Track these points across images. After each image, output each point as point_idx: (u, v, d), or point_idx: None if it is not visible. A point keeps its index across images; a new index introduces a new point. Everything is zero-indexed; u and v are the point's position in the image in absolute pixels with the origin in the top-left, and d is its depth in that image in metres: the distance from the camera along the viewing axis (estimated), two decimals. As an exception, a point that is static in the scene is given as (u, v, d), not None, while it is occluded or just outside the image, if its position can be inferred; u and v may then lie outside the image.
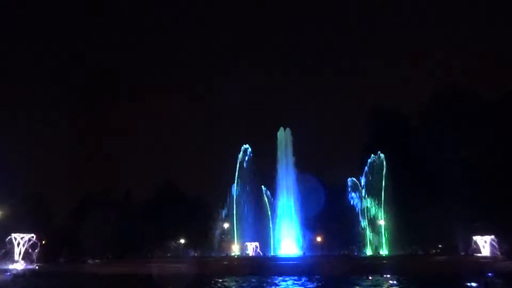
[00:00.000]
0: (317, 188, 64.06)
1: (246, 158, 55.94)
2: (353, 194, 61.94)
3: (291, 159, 55.29)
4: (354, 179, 61.88)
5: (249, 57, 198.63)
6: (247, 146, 56.53)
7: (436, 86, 70.11)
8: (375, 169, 59.09)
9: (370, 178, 59.60)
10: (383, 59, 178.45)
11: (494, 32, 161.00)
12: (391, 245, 61.19)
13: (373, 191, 59.38)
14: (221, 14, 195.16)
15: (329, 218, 69.50)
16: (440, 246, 70.93)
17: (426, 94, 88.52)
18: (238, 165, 55.33)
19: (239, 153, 56.25)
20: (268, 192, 58.88)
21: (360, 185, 61.35)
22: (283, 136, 57.09)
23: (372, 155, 60.30)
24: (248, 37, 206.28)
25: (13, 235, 51.89)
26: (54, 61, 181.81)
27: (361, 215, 61.49)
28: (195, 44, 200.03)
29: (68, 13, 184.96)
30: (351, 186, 62.09)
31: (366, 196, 60.37)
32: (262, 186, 58.50)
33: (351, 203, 61.93)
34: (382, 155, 59.24)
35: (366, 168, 60.52)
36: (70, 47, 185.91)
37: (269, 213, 57.00)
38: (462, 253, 54.08)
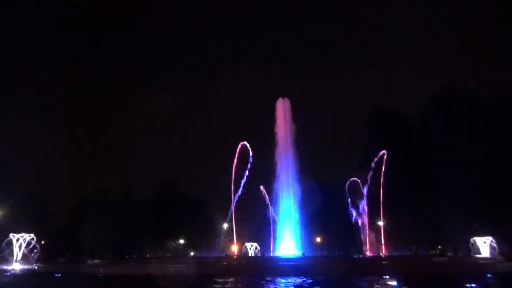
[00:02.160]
0: (316, 187, 63.79)
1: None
2: (353, 194, 61.60)
3: (290, 140, 50.67)
4: (355, 178, 60.94)
5: (249, 57, 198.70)
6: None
7: (436, 87, 70.28)
8: (375, 169, 58.83)
9: (370, 178, 59.37)
10: (383, 59, 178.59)
11: (494, 32, 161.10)
12: (391, 246, 61.08)
13: (373, 192, 59.18)
14: (222, 14, 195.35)
15: (328, 218, 69.38)
16: (439, 247, 70.92)
17: (426, 94, 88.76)
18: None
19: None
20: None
21: (360, 185, 61.13)
22: (283, 106, 51.56)
23: (372, 155, 60.06)
24: (248, 37, 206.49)
25: (12, 235, 51.88)
26: (54, 61, 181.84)
27: (361, 215, 61.33)
28: (195, 44, 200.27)
29: (68, 13, 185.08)
30: (351, 186, 61.66)
31: (365, 196, 60.17)
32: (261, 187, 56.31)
33: (351, 203, 61.69)
34: (382, 155, 59.00)
35: (365, 168, 60.24)
36: (70, 47, 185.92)
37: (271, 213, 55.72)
38: (462, 254, 54.11)
